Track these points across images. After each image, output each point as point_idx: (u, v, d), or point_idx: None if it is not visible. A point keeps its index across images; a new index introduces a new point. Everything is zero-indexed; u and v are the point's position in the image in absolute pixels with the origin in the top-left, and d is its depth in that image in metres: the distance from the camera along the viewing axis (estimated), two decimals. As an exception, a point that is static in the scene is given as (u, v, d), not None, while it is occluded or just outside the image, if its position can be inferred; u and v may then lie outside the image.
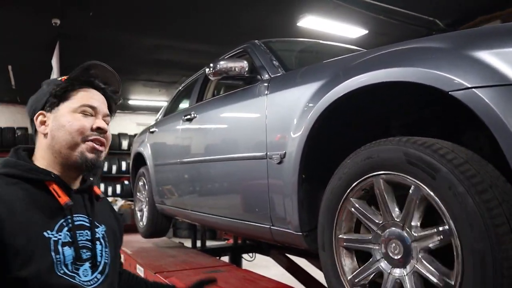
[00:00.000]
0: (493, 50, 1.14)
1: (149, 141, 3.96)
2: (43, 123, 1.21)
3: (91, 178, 1.31)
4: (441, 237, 1.21)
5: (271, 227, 2.01)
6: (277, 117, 1.96)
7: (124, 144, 11.70)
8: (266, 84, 2.14)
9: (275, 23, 6.11)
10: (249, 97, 2.22)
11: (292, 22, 6.02)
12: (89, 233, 1.21)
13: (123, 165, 11.60)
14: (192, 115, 2.93)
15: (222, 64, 2.27)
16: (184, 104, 3.82)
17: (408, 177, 1.28)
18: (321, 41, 3.14)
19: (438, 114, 1.58)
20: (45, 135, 1.19)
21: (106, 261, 1.25)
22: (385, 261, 1.40)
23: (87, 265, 1.17)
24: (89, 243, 1.20)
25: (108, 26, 6.13)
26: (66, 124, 1.17)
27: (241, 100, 2.31)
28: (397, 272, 1.36)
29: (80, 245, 1.16)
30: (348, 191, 1.50)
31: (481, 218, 1.08)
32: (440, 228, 1.21)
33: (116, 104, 1.35)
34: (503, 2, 5.66)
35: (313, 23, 6.00)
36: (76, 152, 1.17)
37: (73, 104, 1.20)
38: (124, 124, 12.10)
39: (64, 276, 1.09)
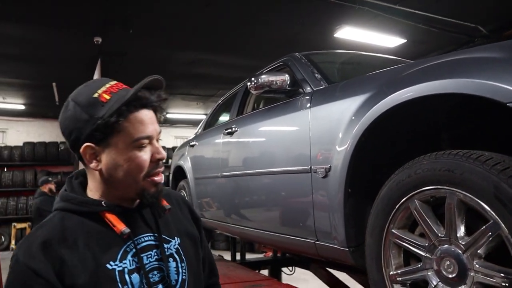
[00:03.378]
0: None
1: (189, 155, 4.01)
2: (93, 157, 1.07)
3: None
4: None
5: (316, 242, 1.97)
6: (321, 130, 1.94)
7: (162, 156, 11.90)
8: (308, 97, 2.13)
9: (311, 35, 6.11)
10: (292, 110, 2.21)
11: (329, 33, 6.00)
12: (158, 252, 1.12)
13: (161, 178, 11.77)
14: (233, 129, 2.94)
15: (264, 78, 2.27)
16: (224, 118, 3.85)
17: (490, 210, 1.20)
18: (363, 53, 3.10)
19: (490, 125, 1.52)
20: (99, 171, 1.08)
21: (184, 277, 1.15)
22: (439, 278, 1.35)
23: (160, 287, 1.08)
24: (159, 262, 1.11)
25: (147, 43, 6.30)
26: (123, 164, 1.05)
27: (283, 114, 2.30)
28: None
29: (149, 268, 1.09)
30: (416, 191, 1.42)
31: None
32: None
33: (162, 108, 1.18)
34: (550, 7, 5.45)
35: (350, 33, 5.96)
36: (138, 189, 1.08)
37: (126, 138, 1.05)
38: (162, 138, 12.28)
39: None
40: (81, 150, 1.05)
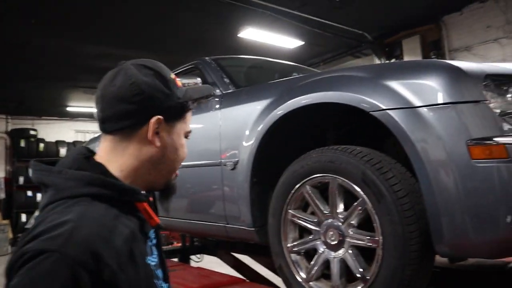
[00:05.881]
0: (400, 80, 1.51)
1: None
2: (155, 132, 0.96)
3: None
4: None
5: (226, 225, 2.28)
6: (230, 129, 2.24)
7: (62, 151, 11.39)
8: (218, 99, 2.41)
9: (217, 34, 6.40)
10: (204, 111, 2.48)
11: (234, 33, 6.33)
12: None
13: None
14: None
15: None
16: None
17: (359, 191, 1.59)
18: (266, 58, 3.43)
19: (364, 128, 1.94)
20: (156, 147, 0.97)
21: None
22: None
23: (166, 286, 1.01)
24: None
25: (50, 34, 6.11)
26: (179, 149, 1.02)
27: (196, 113, 2.55)
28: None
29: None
30: (307, 179, 1.79)
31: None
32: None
33: None
34: (422, 20, 6.35)
35: (253, 34, 6.35)
36: (170, 175, 1.04)
37: (185, 127, 1.04)
38: (62, 132, 11.83)
39: None
40: (151, 120, 0.94)
